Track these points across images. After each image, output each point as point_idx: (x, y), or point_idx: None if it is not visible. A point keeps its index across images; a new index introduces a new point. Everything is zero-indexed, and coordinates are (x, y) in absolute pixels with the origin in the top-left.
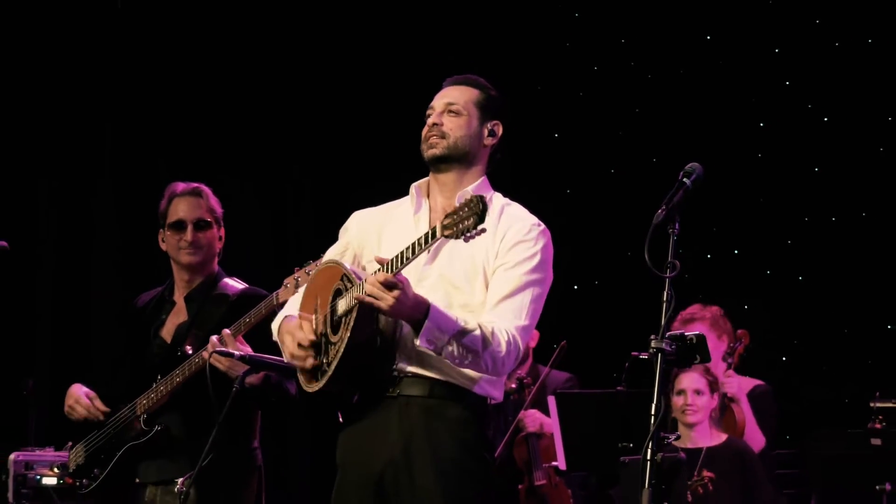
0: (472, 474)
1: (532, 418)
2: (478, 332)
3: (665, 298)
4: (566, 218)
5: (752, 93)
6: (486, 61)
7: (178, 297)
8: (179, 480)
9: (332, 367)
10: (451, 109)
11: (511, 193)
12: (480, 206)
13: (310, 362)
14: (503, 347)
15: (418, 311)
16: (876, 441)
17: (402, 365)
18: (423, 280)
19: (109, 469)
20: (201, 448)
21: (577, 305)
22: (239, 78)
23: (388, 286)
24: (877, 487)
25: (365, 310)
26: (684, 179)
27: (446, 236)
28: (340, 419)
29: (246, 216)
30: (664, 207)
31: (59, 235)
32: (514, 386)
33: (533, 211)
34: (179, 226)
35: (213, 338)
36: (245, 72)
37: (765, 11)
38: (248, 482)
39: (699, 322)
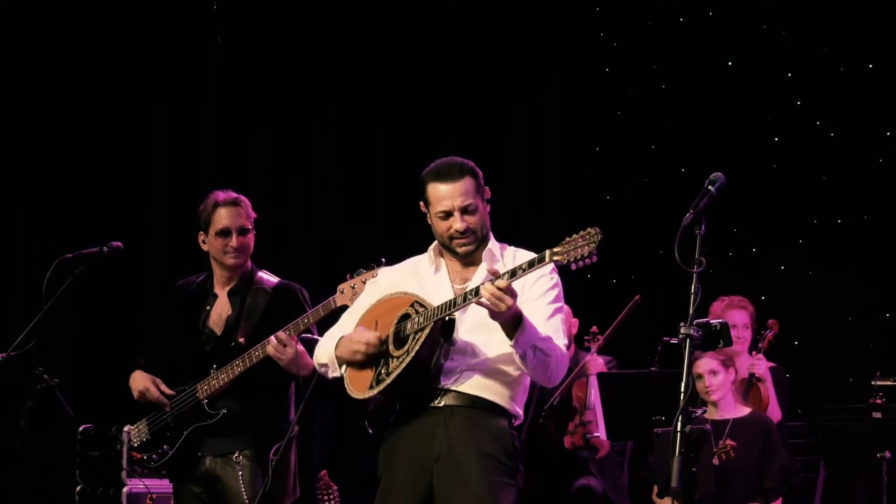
0: (508, 468)
1: (595, 362)
2: (549, 342)
3: (692, 291)
4: (606, 221)
5: (768, 111)
6: (538, 87)
7: (219, 290)
8: (236, 452)
9: (392, 376)
10: (469, 211)
11: (559, 201)
12: (598, 238)
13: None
14: (561, 355)
15: (517, 319)
16: (877, 415)
17: (446, 383)
18: (462, 324)
19: (179, 445)
20: (256, 425)
21: (616, 297)
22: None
23: (510, 292)
24: (878, 455)
25: (436, 330)
26: (709, 187)
27: (555, 262)
28: (370, 431)
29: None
30: (692, 211)
31: (168, 230)
32: (587, 338)
33: (578, 215)
34: (225, 233)
35: (273, 337)
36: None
37: (779, 41)
38: (289, 447)
39: (746, 310)
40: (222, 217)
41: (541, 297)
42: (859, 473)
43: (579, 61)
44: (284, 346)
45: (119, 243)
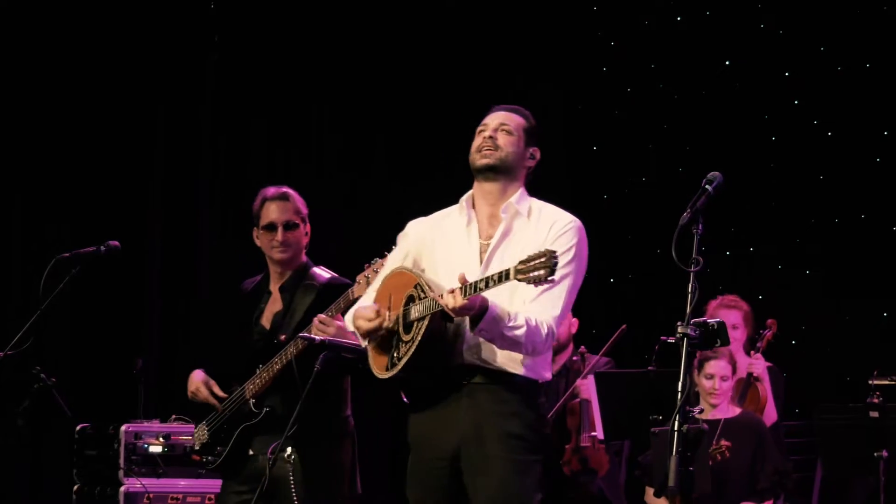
0: (533, 444)
1: (586, 386)
2: (521, 330)
3: (690, 290)
4: (603, 220)
5: (765, 110)
6: (535, 85)
7: (274, 287)
8: (289, 449)
9: (403, 361)
10: (504, 129)
11: (555, 198)
12: (553, 262)
13: (382, 331)
14: (542, 337)
15: (479, 314)
16: (874, 414)
17: (468, 358)
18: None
19: (231, 446)
20: (305, 423)
21: (613, 296)
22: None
23: (469, 307)
24: (875, 454)
25: (436, 320)
26: (706, 186)
27: (518, 280)
28: (405, 400)
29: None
30: (689, 210)
31: (166, 229)
32: (576, 358)
33: (576, 214)
34: (271, 227)
35: (316, 319)
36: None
37: (776, 40)
38: (344, 446)
39: (737, 309)
40: (269, 212)
41: None
42: (856, 472)
43: (577, 61)
44: (327, 327)
45: (116, 242)
